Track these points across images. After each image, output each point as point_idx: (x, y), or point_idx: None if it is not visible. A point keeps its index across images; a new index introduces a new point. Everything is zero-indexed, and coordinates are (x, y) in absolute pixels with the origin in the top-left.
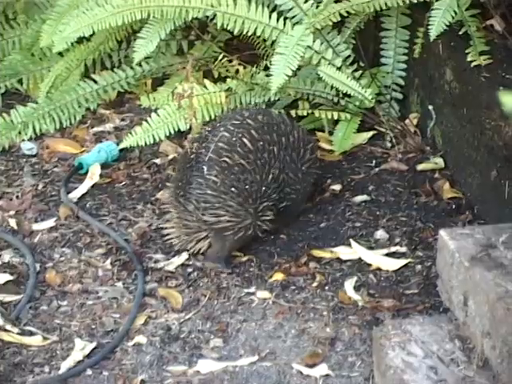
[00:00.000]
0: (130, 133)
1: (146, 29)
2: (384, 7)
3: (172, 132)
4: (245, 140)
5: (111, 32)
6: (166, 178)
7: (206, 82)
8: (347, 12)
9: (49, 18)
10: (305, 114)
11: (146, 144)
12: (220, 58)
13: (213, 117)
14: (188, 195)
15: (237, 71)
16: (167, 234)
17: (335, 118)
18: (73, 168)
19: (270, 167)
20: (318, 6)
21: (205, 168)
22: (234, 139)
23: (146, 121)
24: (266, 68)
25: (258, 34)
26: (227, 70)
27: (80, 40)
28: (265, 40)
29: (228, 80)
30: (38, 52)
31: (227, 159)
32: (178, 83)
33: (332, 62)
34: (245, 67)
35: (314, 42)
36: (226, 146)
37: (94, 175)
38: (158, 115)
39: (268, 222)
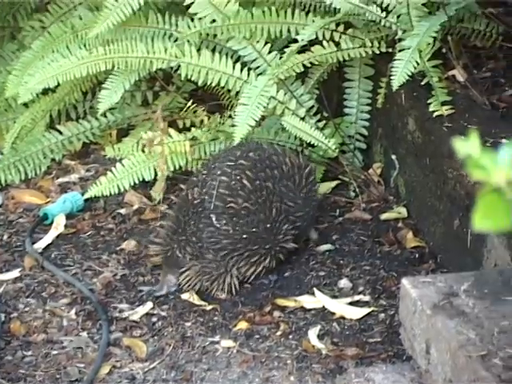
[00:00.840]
0: (95, 183)
1: (110, 79)
2: (347, 58)
3: (137, 182)
4: (244, 182)
5: (76, 83)
6: (130, 227)
7: (171, 130)
8: (310, 63)
9: (14, 68)
10: None
11: (110, 194)
12: (188, 105)
13: (177, 167)
14: (201, 243)
15: (202, 121)
16: (134, 283)
17: None
18: (38, 218)
19: (270, 202)
20: (281, 57)
21: (213, 217)
22: (233, 183)
23: (111, 171)
24: (231, 117)
25: (222, 84)
26: (192, 121)
27: (45, 91)
28: (229, 90)
29: (193, 129)
30: (3, 103)
31: (233, 205)
32: (145, 132)
33: (296, 112)
34: (209, 117)
35: (277, 92)
36: (228, 192)
37: (58, 225)
38: (123, 165)
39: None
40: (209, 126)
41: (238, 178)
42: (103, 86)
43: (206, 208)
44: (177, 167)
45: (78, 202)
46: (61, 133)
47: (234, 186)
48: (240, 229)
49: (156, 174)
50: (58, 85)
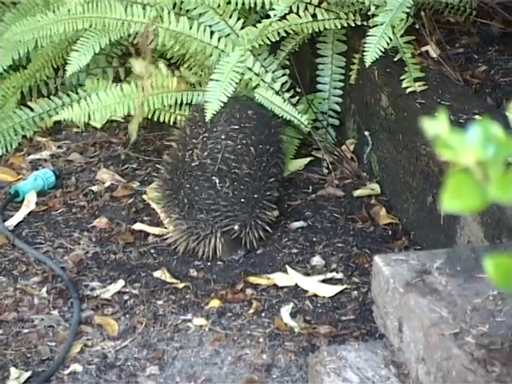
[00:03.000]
0: (67, 107)
1: (80, 42)
2: (322, 29)
3: (108, 116)
4: (251, 148)
5: (47, 59)
6: (102, 205)
7: (160, 64)
8: (285, 31)
9: None
10: None
11: (79, 121)
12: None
13: (160, 104)
14: (196, 204)
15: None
16: (106, 261)
17: None
18: (9, 196)
19: (269, 167)
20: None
21: (216, 180)
22: (239, 147)
23: (85, 99)
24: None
25: (198, 50)
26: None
27: (16, 68)
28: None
29: (181, 68)
30: None
31: (237, 170)
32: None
33: (271, 86)
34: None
35: (253, 64)
36: (233, 156)
37: (30, 203)
38: (98, 98)
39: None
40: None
41: (244, 142)
42: (73, 47)
43: (208, 171)
44: (159, 105)
45: (49, 180)
46: (32, 109)
47: (239, 150)
48: (239, 193)
49: (129, 114)
50: (29, 61)
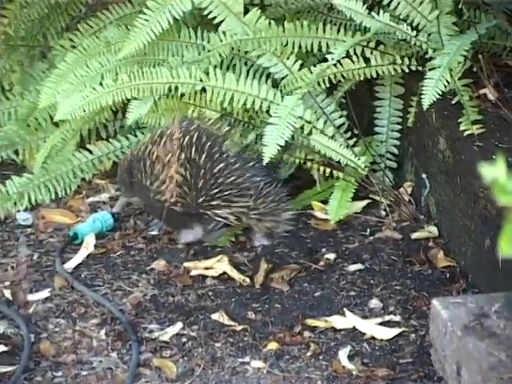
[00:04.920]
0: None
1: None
2: (375, 75)
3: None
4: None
5: None
6: (160, 247)
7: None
8: (341, 76)
9: (48, 80)
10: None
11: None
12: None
13: None
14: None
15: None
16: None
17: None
18: (68, 238)
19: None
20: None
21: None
22: None
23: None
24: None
25: (248, 105)
26: None
27: None
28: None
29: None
30: (33, 123)
31: None
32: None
33: (324, 131)
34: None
35: (305, 111)
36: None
37: (88, 245)
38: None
39: None
40: (233, 137)
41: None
42: (134, 96)
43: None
44: None
45: (107, 222)
46: (91, 152)
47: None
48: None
49: None
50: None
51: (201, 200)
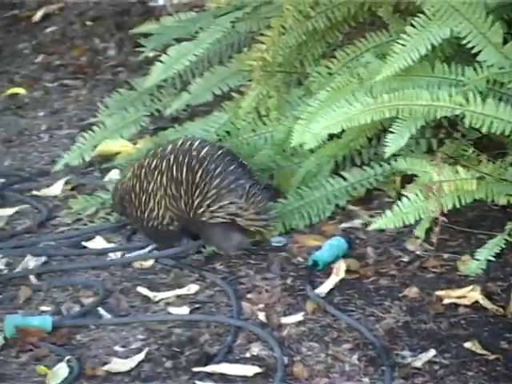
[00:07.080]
0: (381, 215)
1: (397, 124)
2: None
3: (422, 216)
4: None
5: (362, 129)
6: (412, 274)
7: (459, 168)
8: None
9: (300, 118)
10: None
11: (395, 226)
12: (469, 152)
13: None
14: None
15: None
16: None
17: None
18: (308, 268)
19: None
20: None
21: None
22: None
23: (397, 205)
24: None
25: (507, 133)
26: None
27: (331, 137)
28: None
29: (481, 165)
30: (289, 148)
31: None
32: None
33: None
34: (493, 163)
35: None
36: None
37: (339, 271)
38: (409, 199)
39: None
40: (491, 172)
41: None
42: (390, 129)
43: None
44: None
45: (342, 247)
46: (345, 179)
47: None
48: None
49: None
50: (343, 131)
51: (194, 208)
